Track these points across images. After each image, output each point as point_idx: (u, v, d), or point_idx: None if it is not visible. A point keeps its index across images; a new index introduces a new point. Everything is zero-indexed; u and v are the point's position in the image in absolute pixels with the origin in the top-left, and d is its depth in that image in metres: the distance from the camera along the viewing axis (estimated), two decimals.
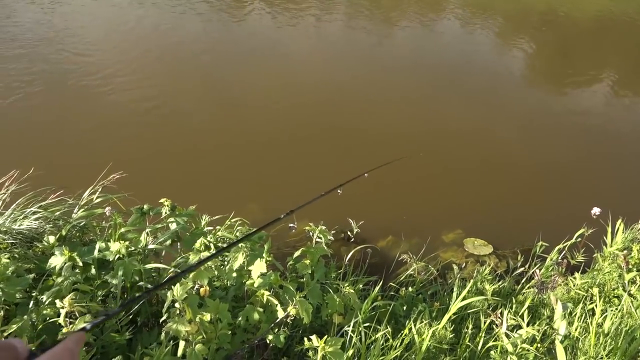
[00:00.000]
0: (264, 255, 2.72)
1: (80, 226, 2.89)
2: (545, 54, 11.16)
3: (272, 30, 10.42)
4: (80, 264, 2.51)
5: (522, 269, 4.29)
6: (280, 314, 2.52)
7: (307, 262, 3.00)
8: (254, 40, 9.71)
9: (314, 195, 2.72)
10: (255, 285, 2.63)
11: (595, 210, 3.39)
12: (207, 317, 2.44)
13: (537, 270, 3.66)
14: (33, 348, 0.75)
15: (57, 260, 2.47)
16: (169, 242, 2.78)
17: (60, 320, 1.92)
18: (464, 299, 2.91)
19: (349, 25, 11.23)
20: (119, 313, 2.41)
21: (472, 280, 3.17)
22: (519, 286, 3.68)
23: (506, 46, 11.11)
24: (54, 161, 5.29)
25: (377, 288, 2.83)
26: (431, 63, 9.54)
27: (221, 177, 5.67)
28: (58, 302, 1.95)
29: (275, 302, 2.52)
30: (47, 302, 2.16)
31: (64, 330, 1.90)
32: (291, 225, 2.56)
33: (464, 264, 4.73)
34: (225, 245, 3.13)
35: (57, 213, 2.84)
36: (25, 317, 2.11)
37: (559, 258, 3.98)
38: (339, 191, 2.45)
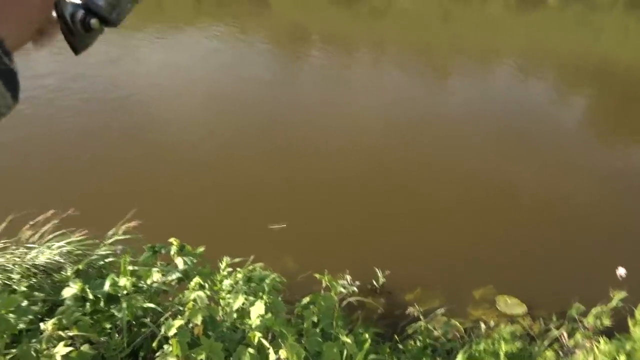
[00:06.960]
0: (263, 297, 2.76)
1: (100, 264, 3.08)
2: (604, 107, 10.78)
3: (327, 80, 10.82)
4: (91, 296, 2.67)
5: (555, 331, 4.01)
6: (272, 357, 2.51)
7: (314, 309, 3.01)
8: (305, 87, 10.13)
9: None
10: (253, 326, 2.66)
11: (621, 271, 3.14)
12: (203, 356, 2.48)
13: (565, 333, 3.41)
14: None
15: (69, 292, 2.64)
16: (175, 280, 2.89)
17: (43, 344, 2.05)
18: (469, 356, 2.76)
19: (405, 77, 11.46)
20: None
21: (477, 339, 3.01)
22: (543, 350, 3.44)
23: (563, 98, 10.85)
24: (90, 202, 5.41)
25: (368, 341, 2.76)
26: (489, 115, 9.45)
27: (261, 226, 5.51)
28: (42, 325, 2.09)
29: (267, 344, 2.52)
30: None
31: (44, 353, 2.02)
32: None
33: (493, 323, 4.48)
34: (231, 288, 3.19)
35: (79, 251, 3.05)
36: (28, 344, 2.25)
37: (595, 322, 3.69)
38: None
